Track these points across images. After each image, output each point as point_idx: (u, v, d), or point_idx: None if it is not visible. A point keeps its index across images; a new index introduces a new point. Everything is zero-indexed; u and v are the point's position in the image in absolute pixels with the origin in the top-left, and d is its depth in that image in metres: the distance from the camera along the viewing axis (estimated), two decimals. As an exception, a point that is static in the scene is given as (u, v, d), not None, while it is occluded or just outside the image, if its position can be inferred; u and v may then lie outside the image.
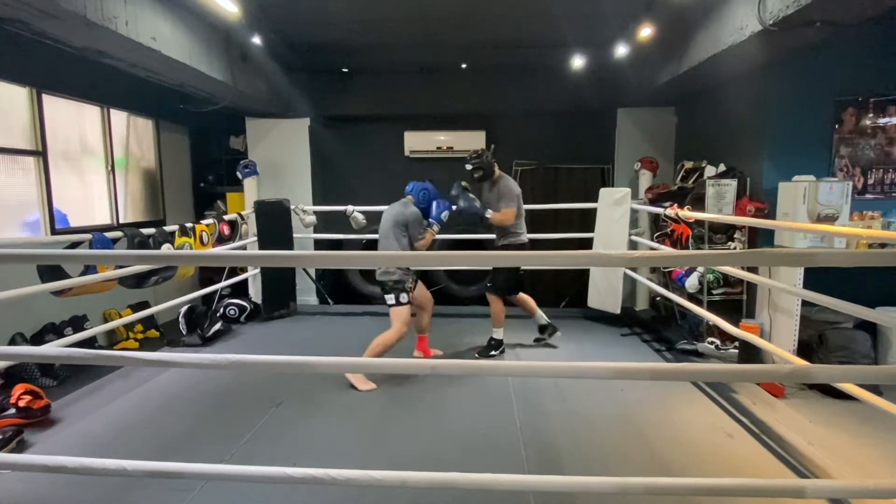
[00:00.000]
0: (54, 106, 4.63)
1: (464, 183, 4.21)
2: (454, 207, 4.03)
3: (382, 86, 6.74)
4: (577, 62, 5.82)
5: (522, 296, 4.50)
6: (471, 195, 4.16)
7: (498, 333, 4.31)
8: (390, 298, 3.69)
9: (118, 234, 3.57)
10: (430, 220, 3.84)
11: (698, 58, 4.31)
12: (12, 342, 4.02)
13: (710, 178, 4.67)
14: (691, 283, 4.49)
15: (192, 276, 6.01)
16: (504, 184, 4.18)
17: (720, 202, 4.38)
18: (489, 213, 4.11)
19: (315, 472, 1.82)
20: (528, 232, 4.35)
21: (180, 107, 6.01)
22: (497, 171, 4.22)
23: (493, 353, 4.29)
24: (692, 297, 4.43)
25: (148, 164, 6.13)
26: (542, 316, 4.55)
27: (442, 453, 2.82)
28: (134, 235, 3.63)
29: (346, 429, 3.11)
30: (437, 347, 4.30)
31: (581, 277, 5.77)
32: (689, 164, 5.30)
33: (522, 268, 6.48)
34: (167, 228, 4.03)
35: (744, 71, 4.52)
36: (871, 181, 4.28)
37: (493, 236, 4.48)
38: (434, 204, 3.86)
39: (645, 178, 5.94)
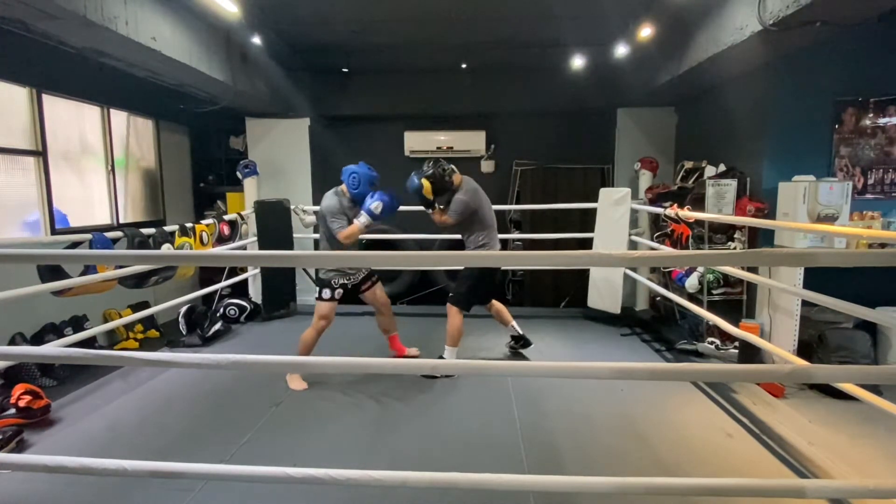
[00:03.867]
0: (54, 106, 4.64)
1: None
2: (387, 199, 3.55)
3: (382, 86, 6.74)
4: (577, 62, 5.82)
5: (497, 304, 4.27)
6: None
7: (450, 353, 3.81)
8: (316, 293, 3.74)
9: (118, 234, 3.57)
10: (361, 210, 3.52)
11: (698, 58, 4.32)
12: (12, 342, 4.03)
13: (710, 178, 4.67)
14: (691, 283, 4.49)
15: (192, 276, 6.02)
16: (455, 196, 3.84)
17: (720, 202, 4.38)
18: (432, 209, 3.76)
19: (315, 472, 1.82)
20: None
21: (180, 107, 6.02)
22: (457, 180, 3.89)
23: (438, 376, 3.71)
24: (692, 297, 4.43)
25: (148, 164, 6.13)
26: (515, 327, 4.27)
27: (442, 453, 2.82)
28: (134, 235, 3.63)
29: (346, 429, 3.11)
30: (436, 347, 4.28)
31: (581, 277, 5.75)
32: (689, 164, 5.29)
33: (517, 272, 6.43)
34: (167, 228, 4.03)
35: (744, 71, 4.52)
36: (871, 181, 4.28)
37: None
38: (368, 194, 3.55)
39: (645, 178, 5.93)
